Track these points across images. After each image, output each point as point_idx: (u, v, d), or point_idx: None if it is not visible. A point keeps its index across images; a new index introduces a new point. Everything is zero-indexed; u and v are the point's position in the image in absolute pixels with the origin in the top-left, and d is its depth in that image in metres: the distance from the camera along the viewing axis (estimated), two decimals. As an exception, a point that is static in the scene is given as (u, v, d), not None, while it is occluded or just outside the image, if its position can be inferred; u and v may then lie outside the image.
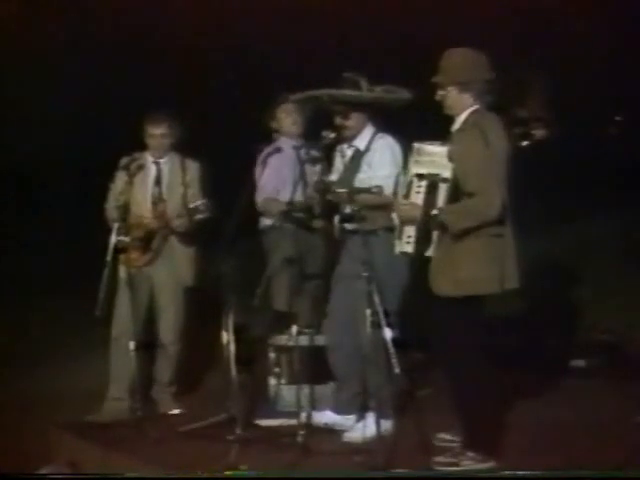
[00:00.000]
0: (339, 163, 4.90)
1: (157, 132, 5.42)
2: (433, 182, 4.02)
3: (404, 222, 4.14)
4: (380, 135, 4.78)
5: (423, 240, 4.09)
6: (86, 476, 4.62)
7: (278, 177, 5.39)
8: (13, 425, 5.54)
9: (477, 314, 4.10)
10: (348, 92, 4.64)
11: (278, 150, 5.51)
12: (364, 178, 4.66)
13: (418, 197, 4.06)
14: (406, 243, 4.13)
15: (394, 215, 4.28)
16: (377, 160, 4.70)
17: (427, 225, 4.04)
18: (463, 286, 4.00)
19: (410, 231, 4.11)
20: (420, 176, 4.05)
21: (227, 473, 4.10)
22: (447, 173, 3.99)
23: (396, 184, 4.63)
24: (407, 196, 4.13)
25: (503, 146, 4.04)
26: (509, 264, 4.07)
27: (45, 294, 9.30)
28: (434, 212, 4.01)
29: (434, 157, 4.03)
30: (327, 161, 4.99)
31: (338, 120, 4.73)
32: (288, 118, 5.50)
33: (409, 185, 4.13)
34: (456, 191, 4.01)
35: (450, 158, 3.99)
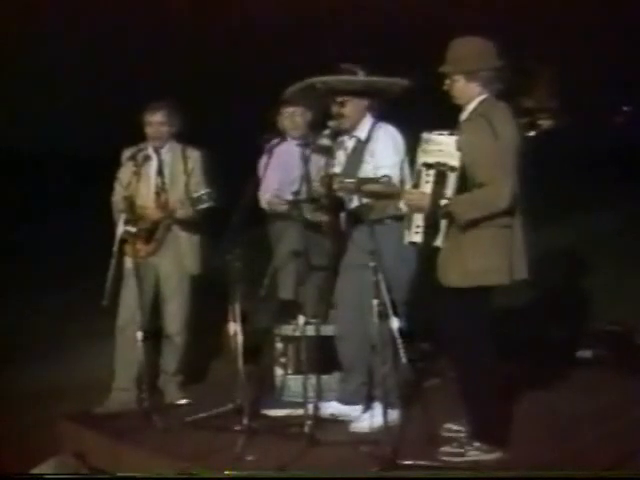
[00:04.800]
0: (341, 155, 4.88)
1: (155, 119, 5.39)
2: (441, 171, 4.00)
3: (413, 211, 4.13)
4: (380, 125, 4.77)
5: (432, 230, 4.07)
6: (85, 476, 4.62)
7: (283, 172, 5.38)
8: (20, 416, 5.54)
9: (485, 305, 4.10)
10: (341, 77, 4.63)
11: (284, 142, 5.51)
12: (368, 168, 4.65)
13: (427, 186, 4.04)
14: (415, 233, 4.11)
15: (402, 204, 4.27)
16: (380, 149, 4.68)
17: (436, 215, 4.03)
18: (471, 277, 3.99)
19: (419, 221, 4.09)
20: (428, 165, 4.03)
21: (227, 473, 4.10)
22: (455, 162, 3.96)
23: (401, 172, 4.63)
24: (416, 185, 4.12)
25: (513, 136, 4.02)
26: (518, 255, 4.05)
27: (51, 284, 9.33)
28: (443, 202, 3.99)
29: (442, 146, 4.01)
30: (332, 153, 4.97)
31: (335, 108, 4.72)
32: (288, 121, 5.50)
33: (418, 174, 4.11)
34: (465, 181, 3.99)
35: (459, 148, 3.96)
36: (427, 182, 4.03)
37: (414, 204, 4.10)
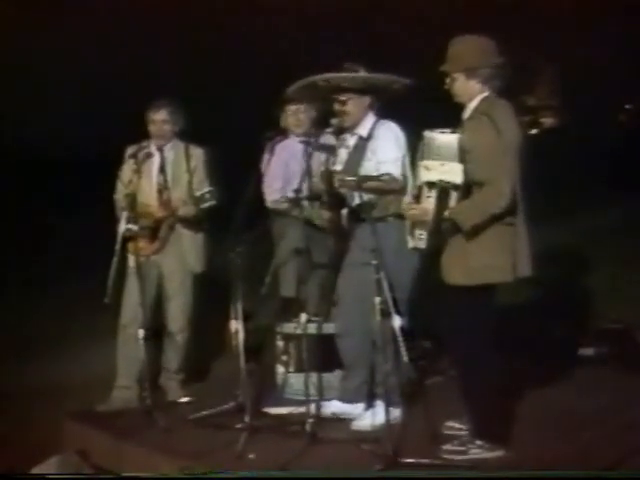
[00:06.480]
0: (343, 153, 4.88)
1: (158, 118, 5.40)
2: (444, 189, 3.99)
3: (415, 225, 4.12)
4: (382, 122, 4.77)
5: (435, 236, 4.07)
6: (87, 476, 4.62)
7: (286, 170, 5.38)
8: (22, 415, 5.55)
9: (488, 303, 4.09)
10: (342, 74, 4.63)
11: (286, 140, 5.51)
12: (369, 165, 4.66)
13: (428, 201, 4.02)
14: (418, 240, 4.12)
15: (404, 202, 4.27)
16: (381, 146, 4.69)
17: (438, 227, 4.02)
18: (475, 275, 3.99)
19: (421, 230, 4.10)
20: (431, 184, 4.00)
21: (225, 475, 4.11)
22: (459, 179, 3.94)
23: (403, 168, 4.63)
24: (417, 198, 4.10)
25: (515, 134, 4.01)
26: (521, 252, 4.04)
27: (53, 283, 9.33)
28: (445, 214, 3.99)
29: (444, 157, 3.96)
30: (334, 150, 4.98)
31: (337, 106, 4.73)
32: (292, 118, 5.50)
33: (419, 189, 4.08)
34: (467, 194, 3.99)
35: (461, 146, 3.95)
36: (429, 197, 4.01)
37: (416, 219, 4.10)
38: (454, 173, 3.94)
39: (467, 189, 3.98)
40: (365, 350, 4.60)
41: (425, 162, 4.02)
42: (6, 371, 6.40)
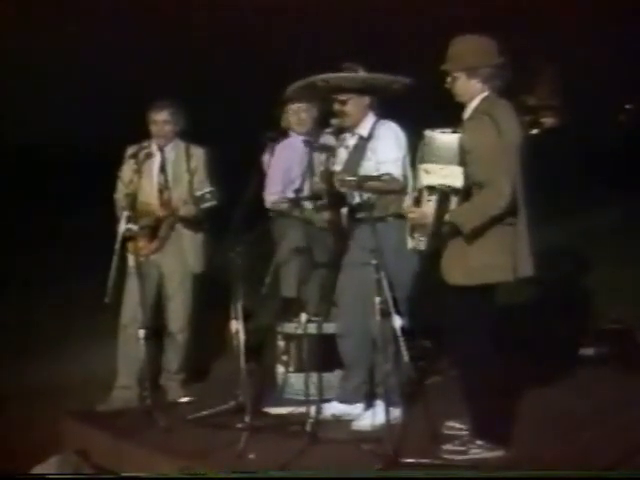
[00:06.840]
0: (343, 153, 4.88)
1: (159, 118, 5.40)
2: (444, 193, 3.98)
3: (415, 229, 4.12)
4: (382, 122, 4.77)
5: (435, 238, 4.07)
6: (87, 476, 4.61)
7: (287, 171, 5.38)
8: (22, 414, 5.55)
9: (488, 303, 4.09)
10: (341, 75, 4.63)
11: (286, 140, 5.51)
12: (370, 165, 4.66)
13: (429, 206, 4.02)
14: (419, 241, 4.12)
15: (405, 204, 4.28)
16: (382, 145, 4.69)
17: (438, 230, 4.02)
18: (475, 275, 3.99)
19: (421, 234, 4.10)
20: (431, 188, 4.00)
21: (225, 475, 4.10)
22: (459, 183, 3.93)
23: (403, 168, 4.63)
24: (418, 202, 4.10)
25: (516, 134, 4.01)
26: (522, 252, 4.04)
27: (53, 283, 9.33)
28: (445, 218, 3.99)
29: (444, 158, 3.94)
30: (334, 150, 4.98)
31: (337, 107, 4.73)
32: (294, 117, 5.51)
33: (420, 193, 4.08)
34: (467, 197, 3.99)
35: (461, 146, 3.95)
36: (429, 201, 4.01)
37: (416, 222, 4.10)
38: (454, 177, 3.93)
39: (467, 192, 3.97)
40: (365, 350, 4.61)
41: (425, 165, 4.01)
42: (6, 371, 6.40)
